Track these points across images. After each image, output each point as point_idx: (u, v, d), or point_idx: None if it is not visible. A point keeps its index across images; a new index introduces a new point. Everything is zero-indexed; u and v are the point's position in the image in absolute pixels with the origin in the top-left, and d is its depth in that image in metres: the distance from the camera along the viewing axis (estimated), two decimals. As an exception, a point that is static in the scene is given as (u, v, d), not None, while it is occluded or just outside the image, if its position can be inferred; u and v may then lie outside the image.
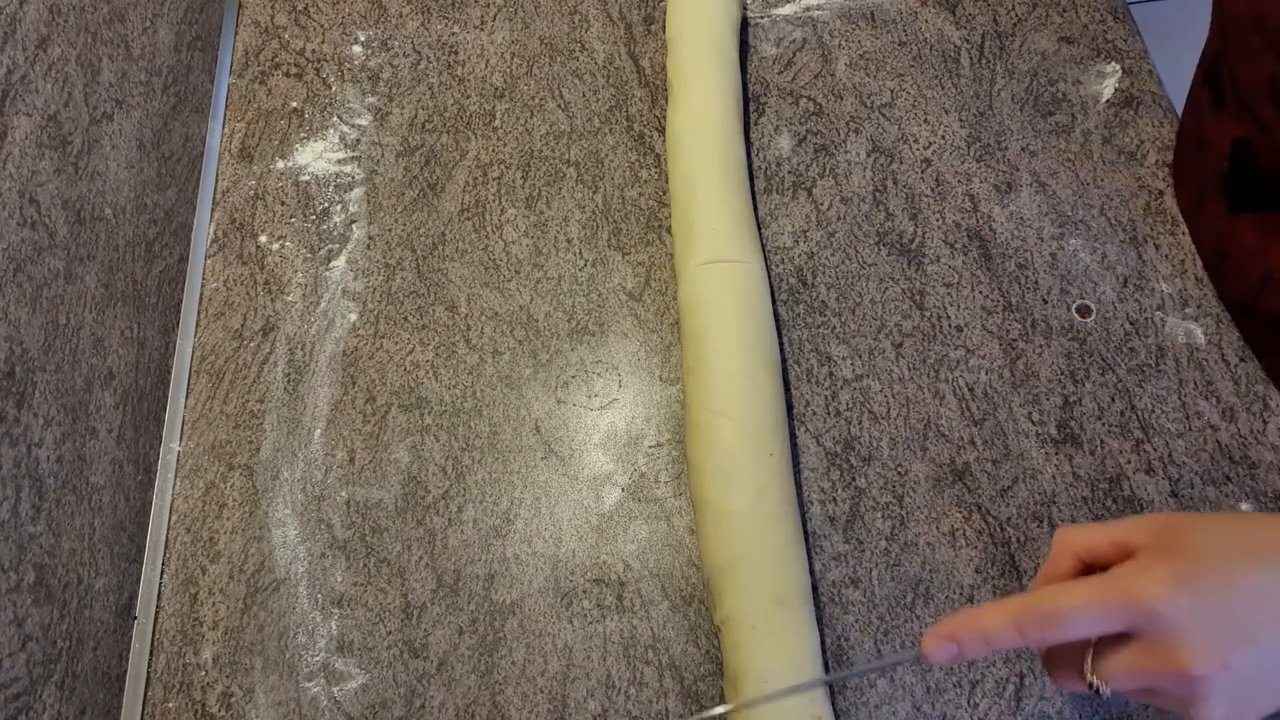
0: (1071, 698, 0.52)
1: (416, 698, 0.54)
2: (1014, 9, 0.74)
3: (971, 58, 0.72)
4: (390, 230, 0.68)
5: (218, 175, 0.71)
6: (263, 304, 0.66)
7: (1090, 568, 0.40)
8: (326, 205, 0.69)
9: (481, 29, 0.76)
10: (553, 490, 0.59)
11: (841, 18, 0.74)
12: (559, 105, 0.72)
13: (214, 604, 0.57)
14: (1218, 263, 0.62)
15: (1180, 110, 0.69)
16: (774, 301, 0.63)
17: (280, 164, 0.71)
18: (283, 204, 0.69)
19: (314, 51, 0.75)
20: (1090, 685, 0.39)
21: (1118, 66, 0.71)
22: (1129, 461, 0.58)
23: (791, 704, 0.49)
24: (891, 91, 0.71)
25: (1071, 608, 0.38)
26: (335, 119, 0.72)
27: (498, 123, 0.72)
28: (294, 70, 0.75)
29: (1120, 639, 0.38)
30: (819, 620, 0.54)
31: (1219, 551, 0.38)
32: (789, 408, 0.60)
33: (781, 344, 0.61)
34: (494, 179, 0.69)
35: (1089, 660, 0.39)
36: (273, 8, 0.78)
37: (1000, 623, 0.39)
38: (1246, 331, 0.61)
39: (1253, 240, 0.58)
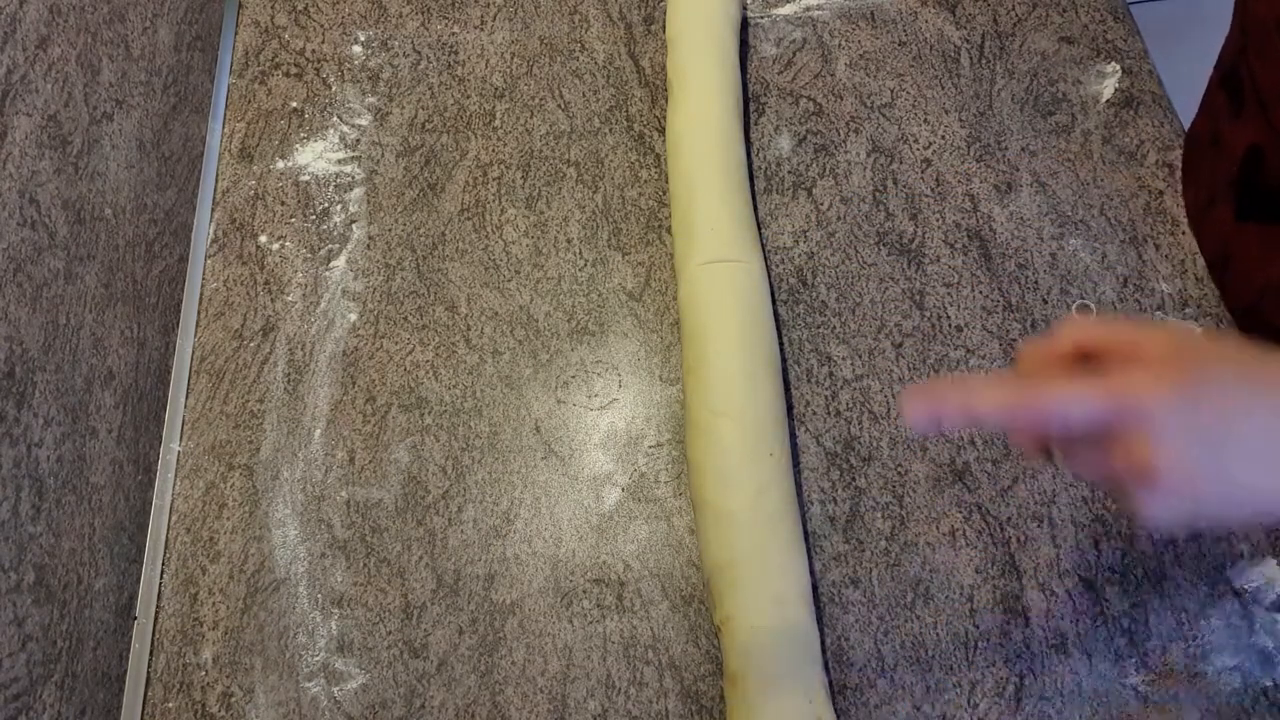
0: (1071, 698, 0.52)
1: (416, 698, 0.54)
2: (1014, 9, 0.74)
3: (971, 58, 0.72)
4: (390, 230, 0.68)
5: (218, 175, 0.71)
6: (263, 304, 0.66)
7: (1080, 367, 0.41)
8: (326, 205, 0.69)
9: (481, 29, 0.76)
10: (553, 490, 0.59)
11: (841, 18, 0.74)
12: (559, 105, 0.72)
13: (214, 604, 0.57)
14: (1221, 265, 0.62)
15: (1180, 110, 0.69)
16: (774, 301, 0.63)
17: (280, 164, 0.71)
18: (283, 204, 0.69)
19: (314, 51, 0.75)
20: (1049, 453, 0.41)
21: (1118, 66, 0.71)
22: (1129, 461, 0.58)
23: (791, 703, 0.49)
24: (891, 91, 0.71)
25: (1063, 399, 0.38)
26: (335, 119, 0.72)
27: (498, 123, 0.72)
28: (294, 70, 0.75)
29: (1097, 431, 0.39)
30: (819, 620, 0.54)
31: (1222, 373, 0.38)
32: (789, 408, 0.60)
33: (781, 344, 0.61)
34: (494, 179, 0.69)
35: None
36: (273, 8, 0.78)
37: (990, 404, 0.39)
38: (1246, 332, 0.61)
39: (1256, 250, 0.58)
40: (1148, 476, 0.37)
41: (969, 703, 0.53)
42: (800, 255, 0.65)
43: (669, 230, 0.66)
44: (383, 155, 0.71)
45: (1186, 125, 0.68)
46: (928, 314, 0.63)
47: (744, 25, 0.73)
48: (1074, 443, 0.40)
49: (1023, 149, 0.68)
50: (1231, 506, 0.40)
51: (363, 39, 0.76)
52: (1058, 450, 0.41)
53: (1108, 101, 0.69)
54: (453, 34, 0.76)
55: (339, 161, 0.71)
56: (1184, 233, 0.64)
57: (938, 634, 0.54)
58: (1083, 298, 0.63)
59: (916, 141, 0.69)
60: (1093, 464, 0.39)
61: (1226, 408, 0.38)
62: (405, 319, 0.65)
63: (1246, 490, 0.38)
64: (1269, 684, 0.52)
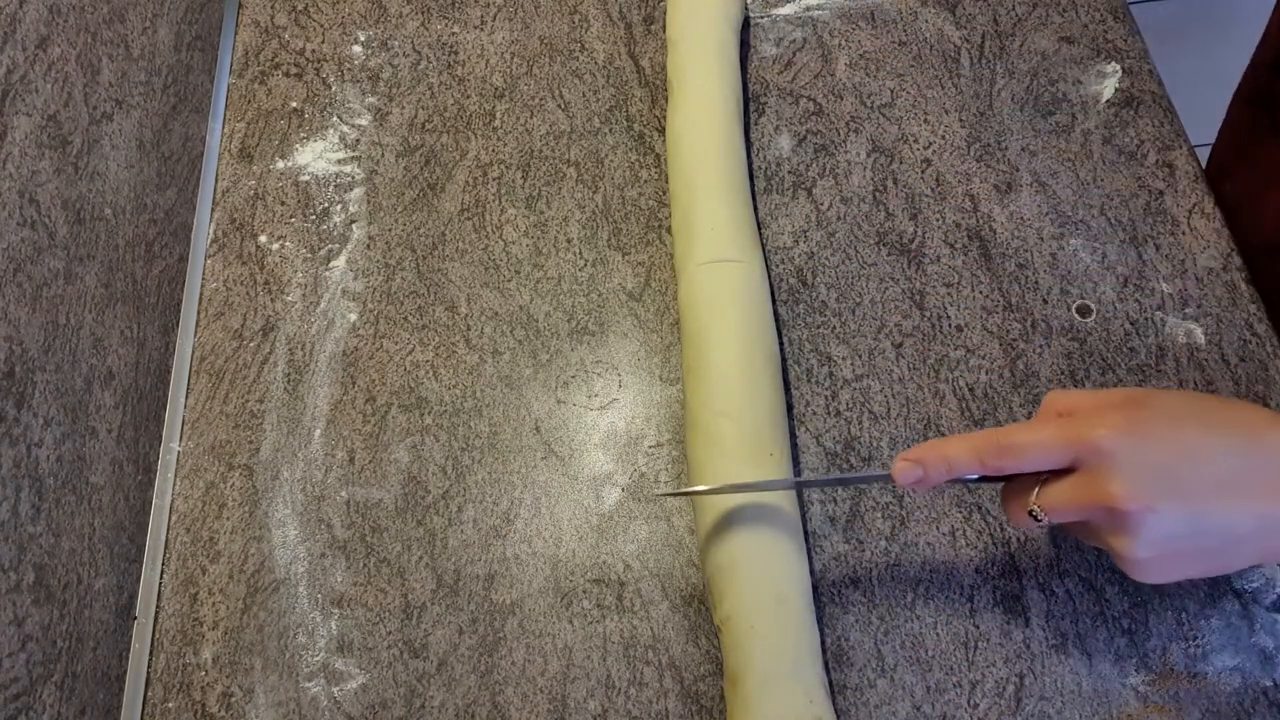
0: (1071, 698, 0.52)
1: (416, 698, 0.54)
2: (1014, 9, 0.74)
3: (971, 58, 0.72)
4: (390, 230, 0.68)
5: (218, 175, 0.71)
6: (263, 304, 0.66)
7: None
8: (326, 205, 0.69)
9: (481, 29, 0.76)
10: (553, 490, 0.59)
11: (841, 18, 0.74)
12: (559, 105, 0.72)
13: (214, 604, 0.57)
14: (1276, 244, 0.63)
15: (1180, 110, 0.69)
16: (774, 301, 0.63)
17: (280, 164, 0.71)
18: (283, 204, 0.69)
19: (314, 51, 0.75)
20: (1032, 513, 0.43)
21: (1118, 66, 0.71)
22: (1129, 461, 0.58)
23: (791, 703, 0.49)
24: (891, 91, 0.71)
25: (1026, 441, 0.42)
26: (335, 119, 0.72)
27: (498, 123, 0.72)
28: (294, 70, 0.75)
29: (1066, 473, 0.42)
30: (819, 620, 0.54)
31: (1175, 416, 0.42)
32: (789, 408, 0.60)
33: (781, 344, 0.61)
34: (494, 179, 0.69)
35: (1035, 492, 0.43)
36: (273, 8, 0.78)
37: (963, 450, 0.43)
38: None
39: None
40: (1112, 509, 0.40)
41: (969, 703, 0.53)
42: (800, 255, 0.65)
43: (669, 230, 0.66)
44: (383, 155, 0.71)
45: (1187, 126, 0.68)
46: (928, 314, 0.63)
47: (744, 25, 0.73)
48: (1048, 488, 0.43)
49: (1023, 149, 0.68)
50: (1212, 548, 0.41)
51: (363, 39, 0.76)
52: (1036, 504, 0.43)
53: (1108, 101, 0.69)
54: (453, 34, 0.76)
55: (339, 161, 0.71)
56: (1184, 232, 0.64)
57: (938, 634, 0.54)
58: (1083, 298, 0.63)
59: (916, 141, 0.69)
60: (1072, 511, 0.42)
61: (1179, 441, 0.41)
62: (405, 319, 0.65)
63: (1222, 526, 0.40)
64: (1269, 684, 0.52)
